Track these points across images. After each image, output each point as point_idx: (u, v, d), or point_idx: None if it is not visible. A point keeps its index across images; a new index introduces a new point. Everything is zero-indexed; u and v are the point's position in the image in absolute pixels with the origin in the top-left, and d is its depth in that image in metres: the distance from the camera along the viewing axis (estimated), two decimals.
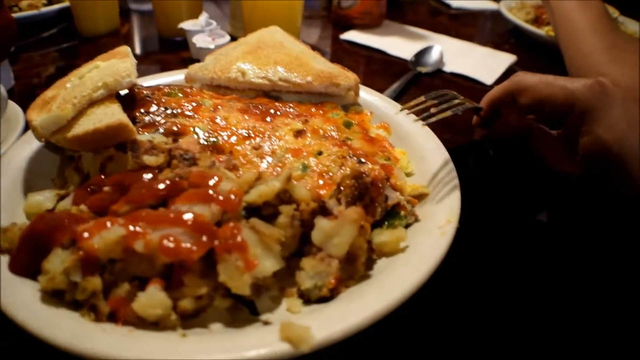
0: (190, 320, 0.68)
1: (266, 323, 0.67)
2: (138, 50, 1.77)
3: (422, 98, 0.99)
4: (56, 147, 0.95)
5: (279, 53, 1.14)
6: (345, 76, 1.09)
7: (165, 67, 1.57)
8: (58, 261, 0.67)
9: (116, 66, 0.97)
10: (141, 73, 1.07)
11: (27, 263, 0.72)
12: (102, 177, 0.83)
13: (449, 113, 0.95)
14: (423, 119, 0.95)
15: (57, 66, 1.62)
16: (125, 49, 1.05)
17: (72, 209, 0.78)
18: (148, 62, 1.64)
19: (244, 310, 0.70)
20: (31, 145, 0.97)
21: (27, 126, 1.05)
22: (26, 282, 0.70)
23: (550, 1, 1.40)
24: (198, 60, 1.46)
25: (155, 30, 1.82)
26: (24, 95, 1.37)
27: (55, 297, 0.68)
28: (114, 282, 0.68)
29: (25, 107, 1.14)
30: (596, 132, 0.87)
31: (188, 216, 0.70)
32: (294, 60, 1.12)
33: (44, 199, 0.87)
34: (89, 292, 0.66)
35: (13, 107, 1.14)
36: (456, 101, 0.99)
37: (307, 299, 0.71)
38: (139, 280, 0.69)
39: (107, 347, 0.60)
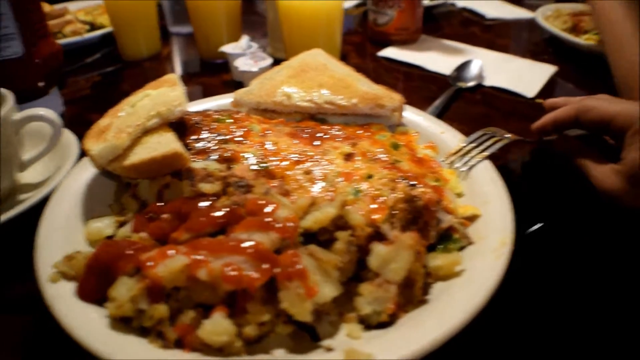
0: (254, 346, 0.69)
1: (329, 349, 0.69)
2: (179, 72, 1.82)
3: (462, 144, 1.06)
4: (112, 174, 0.98)
5: (323, 75, 1.16)
6: (390, 97, 1.11)
7: (207, 90, 1.62)
8: (124, 289, 0.70)
9: (167, 95, 1.00)
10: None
11: (93, 290, 0.74)
12: (160, 204, 0.86)
13: (486, 154, 1.02)
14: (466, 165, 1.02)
15: (103, 90, 1.67)
16: (174, 76, 1.08)
17: (133, 236, 0.81)
18: (190, 85, 1.67)
19: (305, 337, 0.72)
20: (87, 172, 1.00)
21: (82, 153, 1.10)
22: (94, 308, 0.72)
23: (593, 2, 1.39)
24: (240, 83, 1.50)
25: (196, 53, 1.86)
26: (74, 120, 1.42)
27: (123, 323, 0.70)
28: (179, 309, 0.70)
29: (75, 131, 1.20)
30: None
31: (248, 244, 0.71)
32: (338, 82, 1.14)
33: (104, 225, 0.89)
34: (156, 319, 0.68)
35: (66, 135, 1.18)
36: (494, 139, 1.07)
37: (367, 324, 0.72)
38: (203, 307, 0.71)
39: None
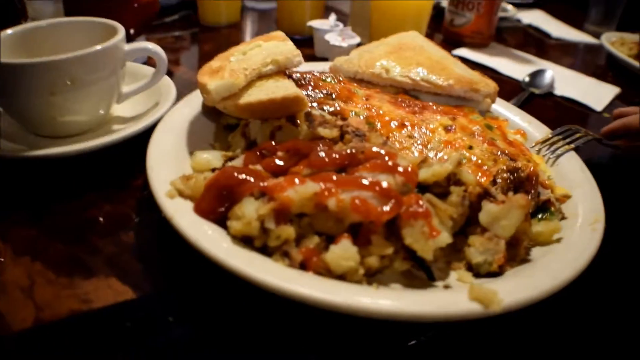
0: (371, 278, 0.72)
1: (446, 287, 0.72)
2: None
3: (550, 135, 1.12)
4: (214, 113, 1.01)
5: (421, 56, 1.20)
6: (485, 83, 1.15)
7: None
8: (252, 208, 0.73)
9: (281, 47, 1.04)
10: None
11: (212, 209, 0.77)
12: (273, 143, 0.89)
13: (572, 146, 1.08)
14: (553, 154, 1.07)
15: (181, 49, 1.71)
16: (282, 34, 1.11)
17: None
18: None
19: (418, 276, 0.75)
20: (189, 109, 1.04)
21: (179, 95, 1.13)
22: (211, 225, 0.75)
23: None
24: (323, 58, 1.53)
25: (273, 26, 1.90)
26: None
27: (242, 242, 0.73)
28: (301, 235, 0.74)
29: None
30: None
31: (375, 182, 0.75)
32: (435, 63, 1.18)
33: (212, 157, 0.92)
34: (283, 240, 0.71)
35: (165, 78, 1.21)
36: (579, 134, 1.13)
37: (477, 272, 0.75)
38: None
39: (316, 290, 0.64)
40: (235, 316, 0.73)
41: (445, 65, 1.18)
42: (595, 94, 1.65)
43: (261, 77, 0.98)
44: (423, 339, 0.71)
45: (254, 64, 0.98)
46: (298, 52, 1.01)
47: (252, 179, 0.78)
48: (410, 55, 1.20)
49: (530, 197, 0.86)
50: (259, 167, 0.83)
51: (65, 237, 0.84)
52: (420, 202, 0.73)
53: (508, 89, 1.61)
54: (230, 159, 0.92)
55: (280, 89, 0.93)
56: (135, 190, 0.96)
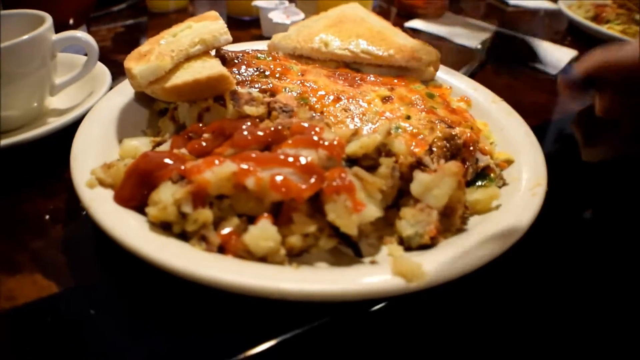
0: (296, 259, 0.70)
1: (373, 262, 0.69)
2: None
3: None
4: (147, 99, 0.98)
5: (361, 27, 1.17)
6: (427, 51, 1.12)
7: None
8: (168, 193, 0.70)
9: (210, 26, 1.00)
10: None
11: (132, 196, 0.75)
12: (200, 125, 0.86)
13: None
14: None
15: (128, 38, 1.66)
16: (214, 13, 1.08)
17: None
18: None
19: (346, 254, 0.72)
20: (121, 97, 1.00)
21: (112, 83, 1.09)
22: (132, 214, 0.72)
23: None
24: (270, 38, 1.49)
25: (222, 10, 1.85)
26: (101, 58, 1.41)
27: (162, 228, 0.70)
28: (221, 218, 0.71)
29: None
30: None
31: (296, 158, 0.72)
32: (375, 34, 1.15)
33: (140, 144, 0.90)
34: (200, 224, 0.68)
35: (99, 65, 1.17)
36: None
37: (408, 246, 0.73)
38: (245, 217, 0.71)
39: (227, 273, 0.62)
40: (161, 305, 0.70)
41: (386, 36, 1.15)
42: (552, 57, 1.63)
43: (189, 58, 0.94)
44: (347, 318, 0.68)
45: (181, 45, 0.94)
46: (225, 29, 0.97)
47: (171, 163, 0.75)
48: (350, 27, 1.17)
49: (467, 164, 0.84)
50: (183, 150, 0.80)
51: None
52: (343, 176, 0.70)
53: (462, 57, 1.59)
54: (159, 144, 0.89)
55: (206, 68, 0.90)
56: (68, 182, 0.93)
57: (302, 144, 0.75)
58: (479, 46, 1.63)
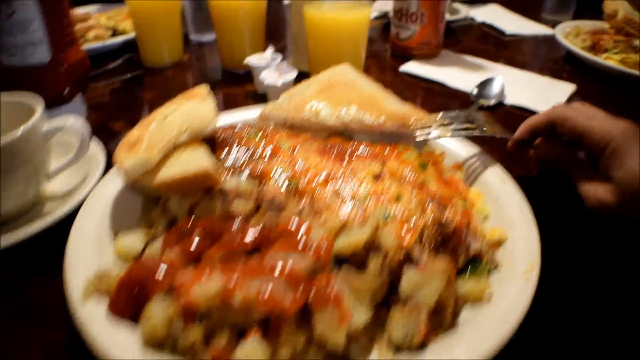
0: None
1: None
2: (202, 82, 1.80)
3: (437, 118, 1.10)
4: (140, 188, 0.99)
5: (352, 92, 1.17)
6: (419, 117, 1.11)
7: (230, 101, 1.62)
8: (159, 310, 0.70)
9: (198, 110, 1.01)
10: None
11: (125, 307, 0.74)
12: (191, 221, 0.87)
13: (477, 133, 1.06)
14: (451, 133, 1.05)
15: (124, 97, 1.68)
16: (204, 90, 1.09)
17: (164, 254, 0.81)
18: (214, 96, 1.66)
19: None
20: (114, 185, 1.00)
21: (108, 164, 1.10)
22: (126, 330, 0.72)
23: None
24: (264, 95, 1.50)
25: (218, 62, 1.87)
26: (97, 128, 1.42)
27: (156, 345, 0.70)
28: (212, 331, 0.71)
29: (99, 138, 1.22)
30: (629, 166, 0.91)
31: (283, 267, 0.72)
32: (366, 99, 1.14)
33: (134, 240, 0.90)
34: (190, 342, 0.68)
35: (93, 145, 1.18)
36: (471, 126, 1.09)
37: (398, 347, 0.72)
38: (237, 328, 0.71)
39: None
40: None
41: (377, 101, 1.15)
42: (549, 97, 1.61)
43: (178, 146, 0.95)
44: None
45: (169, 132, 0.94)
46: (212, 116, 0.98)
47: (163, 273, 0.75)
48: (340, 92, 1.17)
49: (458, 251, 0.83)
50: (175, 252, 0.81)
51: None
52: (331, 285, 0.70)
53: (458, 103, 1.58)
54: (153, 239, 0.89)
55: (193, 162, 0.90)
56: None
57: (289, 248, 0.75)
58: (475, 91, 1.62)
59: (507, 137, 1.11)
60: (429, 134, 1.04)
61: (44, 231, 0.98)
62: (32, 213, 1.07)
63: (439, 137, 1.04)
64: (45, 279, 0.93)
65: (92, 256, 0.85)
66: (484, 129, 1.07)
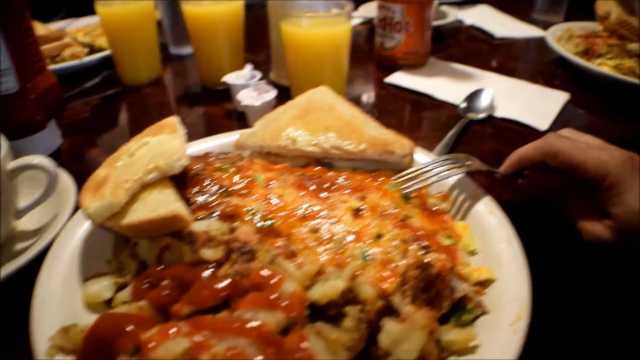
0: None
1: None
2: (180, 99, 1.77)
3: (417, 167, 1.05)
4: (109, 229, 0.94)
5: (330, 117, 1.12)
6: (400, 143, 1.06)
7: (209, 120, 1.58)
8: None
9: (166, 145, 0.96)
10: (186, 126, 1.06)
11: None
12: (160, 268, 0.82)
13: (463, 170, 1.01)
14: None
15: (102, 118, 1.63)
16: (174, 121, 1.04)
17: (132, 306, 0.77)
18: (192, 115, 1.62)
19: None
20: (84, 224, 0.96)
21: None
22: None
23: None
24: (242, 113, 1.46)
25: (198, 77, 1.82)
26: (72, 154, 1.39)
27: None
28: None
29: (72, 167, 1.19)
30: (628, 202, 0.88)
31: (253, 325, 0.68)
32: (345, 125, 1.09)
33: (102, 288, 0.86)
34: None
35: (63, 179, 1.14)
36: (455, 166, 1.03)
37: None
38: None
39: None
40: None
41: (357, 127, 1.10)
42: (541, 108, 1.56)
43: (147, 186, 0.90)
44: None
45: (136, 172, 0.90)
46: (181, 152, 0.93)
47: (129, 329, 0.71)
48: (318, 118, 1.12)
49: (442, 296, 0.78)
50: (142, 305, 0.76)
51: None
52: (302, 343, 0.66)
53: (445, 116, 1.53)
54: (122, 286, 0.85)
55: (161, 204, 0.86)
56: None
57: (259, 304, 0.71)
58: (464, 104, 1.57)
59: (493, 171, 1.05)
60: (415, 183, 0.99)
61: (9, 276, 0.93)
62: (6, 251, 1.04)
63: (425, 186, 1.00)
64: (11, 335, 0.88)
65: (59, 308, 0.81)
66: (467, 163, 1.02)
